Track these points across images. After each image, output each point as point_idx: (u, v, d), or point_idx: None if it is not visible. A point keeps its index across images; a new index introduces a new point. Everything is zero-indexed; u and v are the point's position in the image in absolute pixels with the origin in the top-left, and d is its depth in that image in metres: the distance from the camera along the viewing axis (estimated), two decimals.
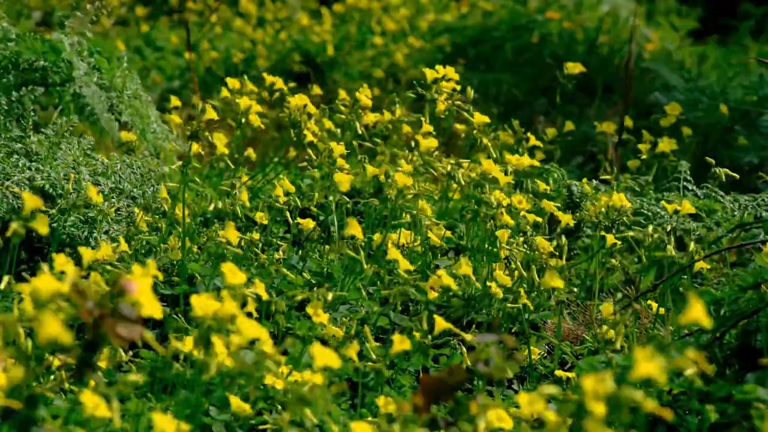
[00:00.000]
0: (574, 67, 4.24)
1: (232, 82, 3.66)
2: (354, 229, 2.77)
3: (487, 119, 3.49)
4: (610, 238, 3.18)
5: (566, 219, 3.23)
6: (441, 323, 2.08)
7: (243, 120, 3.41)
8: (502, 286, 2.88)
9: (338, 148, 3.25)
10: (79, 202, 2.95)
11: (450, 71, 3.42)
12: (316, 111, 3.43)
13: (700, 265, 3.02)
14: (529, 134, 3.95)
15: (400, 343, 2.08)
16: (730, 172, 3.74)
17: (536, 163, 3.54)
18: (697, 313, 1.59)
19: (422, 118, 3.43)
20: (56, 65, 3.53)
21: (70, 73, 3.53)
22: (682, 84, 5.93)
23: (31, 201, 1.88)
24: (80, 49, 3.70)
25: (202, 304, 1.84)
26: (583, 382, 1.41)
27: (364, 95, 3.55)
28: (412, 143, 3.38)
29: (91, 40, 3.78)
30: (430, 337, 2.48)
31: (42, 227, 1.87)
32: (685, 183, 3.86)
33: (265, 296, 2.22)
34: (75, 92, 3.54)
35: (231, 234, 2.70)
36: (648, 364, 1.42)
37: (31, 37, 3.55)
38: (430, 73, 3.45)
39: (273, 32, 7.93)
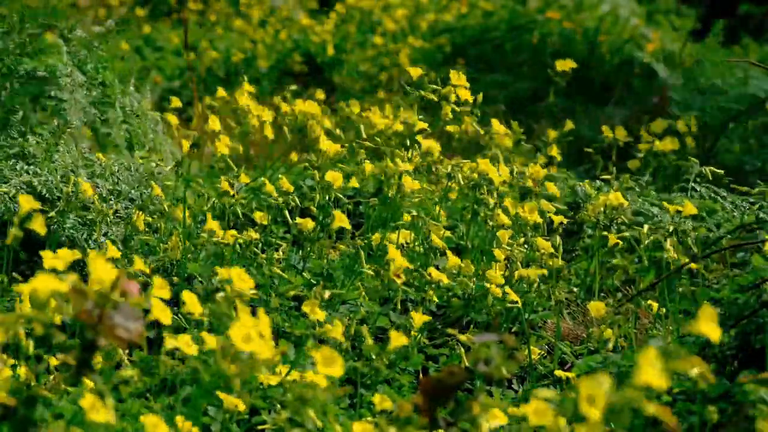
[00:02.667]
0: (565, 64, 4.22)
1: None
2: (341, 221, 2.80)
3: (504, 129, 3.52)
4: (612, 238, 3.18)
5: (558, 219, 3.23)
6: (398, 339, 2.08)
7: (254, 125, 3.47)
8: (499, 285, 2.88)
9: (334, 147, 3.26)
10: (77, 204, 2.95)
11: (462, 80, 3.42)
12: (320, 115, 3.46)
13: (697, 265, 3.02)
14: (554, 146, 3.97)
15: (396, 339, 2.08)
16: (716, 170, 3.76)
17: (554, 171, 3.55)
18: (706, 326, 1.44)
19: (415, 118, 3.44)
20: (54, 75, 3.53)
21: (63, 83, 3.53)
22: (681, 84, 5.93)
23: (27, 204, 1.88)
24: (84, 61, 3.69)
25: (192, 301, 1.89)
26: (579, 386, 1.36)
27: (378, 115, 3.66)
28: (407, 141, 3.40)
29: (99, 55, 3.77)
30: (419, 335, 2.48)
31: (39, 227, 1.88)
32: (693, 185, 3.86)
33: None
34: (58, 98, 3.53)
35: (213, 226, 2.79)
36: (649, 371, 1.36)
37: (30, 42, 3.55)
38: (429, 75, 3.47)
39: (273, 32, 7.93)
